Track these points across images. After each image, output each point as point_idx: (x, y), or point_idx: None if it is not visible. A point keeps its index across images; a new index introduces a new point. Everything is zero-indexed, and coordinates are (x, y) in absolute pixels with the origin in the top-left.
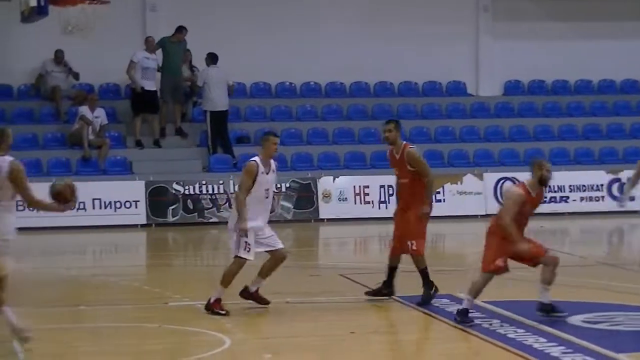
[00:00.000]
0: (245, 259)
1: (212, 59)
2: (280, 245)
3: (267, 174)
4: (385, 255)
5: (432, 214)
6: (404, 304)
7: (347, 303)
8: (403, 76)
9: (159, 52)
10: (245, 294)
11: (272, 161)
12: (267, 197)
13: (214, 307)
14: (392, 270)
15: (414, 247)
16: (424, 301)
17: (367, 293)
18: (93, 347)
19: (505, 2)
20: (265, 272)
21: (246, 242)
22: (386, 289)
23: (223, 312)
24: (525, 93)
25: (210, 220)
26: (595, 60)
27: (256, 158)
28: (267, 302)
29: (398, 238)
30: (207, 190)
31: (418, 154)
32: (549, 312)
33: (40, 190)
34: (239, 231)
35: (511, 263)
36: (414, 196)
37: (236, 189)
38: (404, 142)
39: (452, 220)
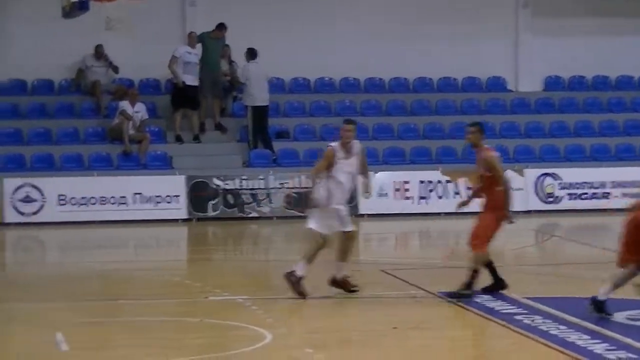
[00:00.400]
0: (325, 238)
1: (251, 54)
2: (351, 228)
3: (347, 159)
4: (426, 251)
5: (474, 210)
6: (446, 300)
7: (389, 298)
8: (442, 72)
9: (199, 46)
10: (335, 282)
11: (353, 145)
12: (348, 181)
13: (297, 286)
14: (488, 266)
15: (472, 244)
16: (453, 295)
17: (484, 290)
18: (133, 340)
19: None
20: (340, 255)
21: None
22: (499, 283)
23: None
24: (565, 89)
25: (250, 215)
26: (636, 56)
27: (334, 143)
28: (354, 288)
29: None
30: (247, 186)
31: (495, 160)
32: (600, 309)
33: (81, 184)
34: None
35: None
36: (488, 201)
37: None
38: (486, 146)
39: None
